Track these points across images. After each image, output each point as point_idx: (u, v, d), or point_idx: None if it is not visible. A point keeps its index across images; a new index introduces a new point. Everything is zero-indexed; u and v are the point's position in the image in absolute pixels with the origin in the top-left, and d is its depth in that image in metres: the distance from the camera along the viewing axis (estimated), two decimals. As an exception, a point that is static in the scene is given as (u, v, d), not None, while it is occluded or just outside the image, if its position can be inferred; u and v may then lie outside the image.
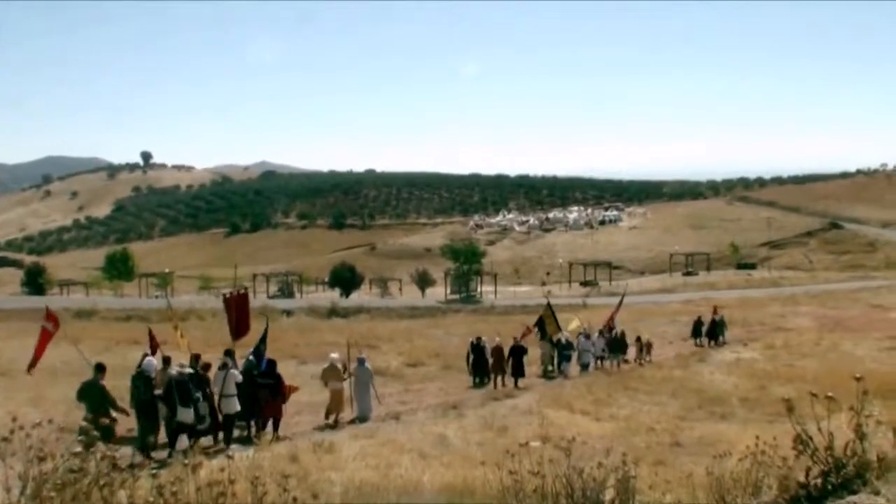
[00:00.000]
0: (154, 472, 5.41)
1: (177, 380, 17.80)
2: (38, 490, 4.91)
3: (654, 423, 22.54)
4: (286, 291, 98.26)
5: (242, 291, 25.69)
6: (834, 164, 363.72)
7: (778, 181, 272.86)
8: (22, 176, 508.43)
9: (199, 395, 18.16)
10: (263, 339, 22.08)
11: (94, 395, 16.01)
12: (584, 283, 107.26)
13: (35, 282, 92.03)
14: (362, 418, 22.75)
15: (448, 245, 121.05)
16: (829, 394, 5.99)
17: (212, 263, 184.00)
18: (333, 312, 59.71)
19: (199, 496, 5.26)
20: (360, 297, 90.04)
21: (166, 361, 19.39)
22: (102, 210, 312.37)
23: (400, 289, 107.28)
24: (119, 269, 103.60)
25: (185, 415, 17.64)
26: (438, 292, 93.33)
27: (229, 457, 8.28)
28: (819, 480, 5.75)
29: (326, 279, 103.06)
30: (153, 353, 20.82)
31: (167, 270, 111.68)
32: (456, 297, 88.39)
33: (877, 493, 5.40)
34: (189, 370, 18.60)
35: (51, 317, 20.63)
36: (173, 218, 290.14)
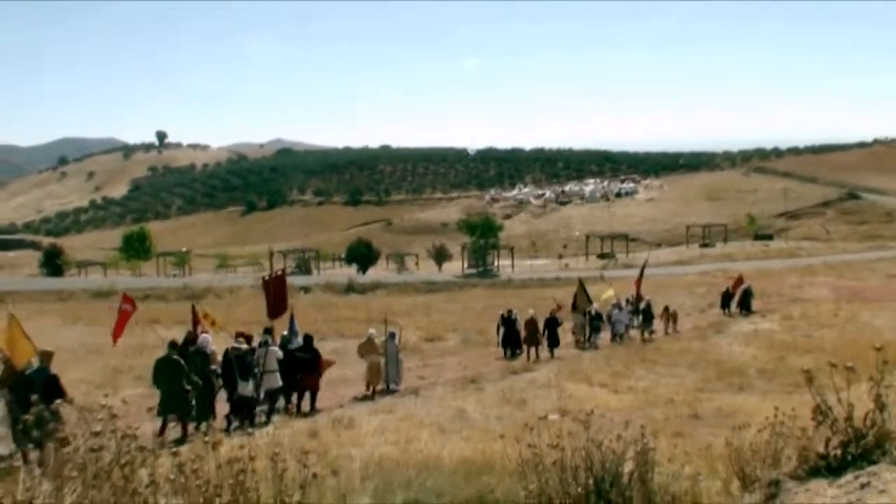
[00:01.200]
0: (174, 450, 5.44)
1: (235, 355, 18.63)
2: (59, 470, 4.95)
3: (673, 395, 22.54)
4: (303, 268, 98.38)
5: (280, 273, 26.74)
6: (851, 134, 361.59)
7: (794, 151, 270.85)
8: (38, 158, 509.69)
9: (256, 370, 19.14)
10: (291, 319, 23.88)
11: (169, 370, 17.09)
12: (601, 256, 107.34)
13: (53, 263, 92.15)
14: (391, 389, 23.62)
15: (464, 219, 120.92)
16: (848, 364, 5.97)
17: (229, 242, 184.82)
18: (350, 288, 59.98)
19: (220, 473, 5.29)
20: (377, 272, 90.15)
21: (194, 338, 19.80)
22: (119, 190, 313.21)
23: (417, 264, 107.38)
24: (136, 248, 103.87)
25: (245, 388, 18.52)
26: (455, 267, 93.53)
27: (249, 434, 8.32)
28: (838, 451, 5.74)
29: (343, 255, 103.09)
30: (195, 331, 21.43)
31: (184, 249, 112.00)
32: (473, 271, 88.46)
33: (896, 463, 5.39)
34: (245, 346, 19.39)
35: (127, 300, 23.03)
36: (190, 197, 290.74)
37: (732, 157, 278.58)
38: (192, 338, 20.21)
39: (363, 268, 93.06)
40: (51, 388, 13.79)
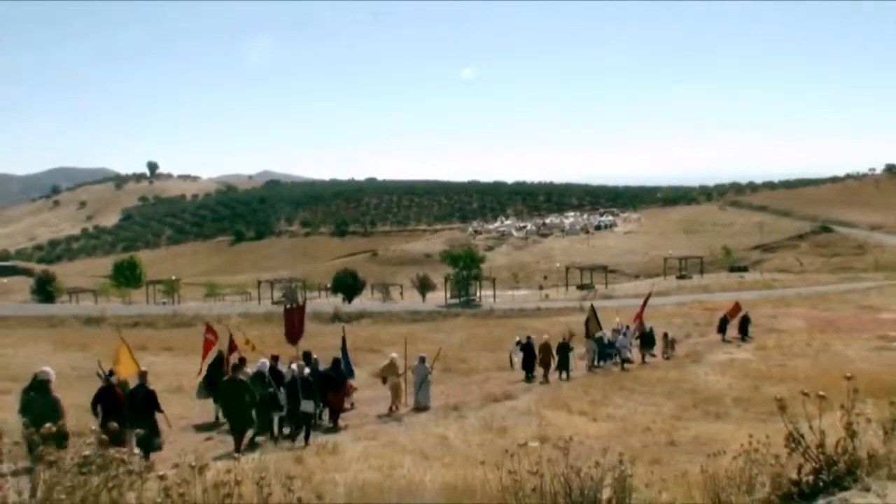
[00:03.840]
0: (161, 473, 5.40)
1: (300, 377, 20.19)
2: (48, 493, 4.91)
3: (650, 423, 22.54)
4: (290, 297, 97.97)
5: (301, 303, 28.40)
6: (824, 169, 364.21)
7: (769, 186, 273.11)
8: (32, 186, 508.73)
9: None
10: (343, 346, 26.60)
11: (236, 389, 18.60)
12: (581, 287, 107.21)
13: (45, 290, 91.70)
14: (422, 408, 25.20)
15: (447, 251, 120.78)
16: (821, 393, 5.99)
17: (217, 271, 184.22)
18: (336, 317, 59.62)
19: (206, 497, 5.26)
20: (362, 302, 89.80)
21: (242, 362, 20.97)
22: (110, 219, 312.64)
23: (401, 294, 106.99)
24: (127, 276, 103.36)
25: (308, 406, 20.02)
26: (439, 297, 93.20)
27: (235, 458, 8.29)
28: (811, 477, 5.75)
29: (329, 285, 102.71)
30: (230, 355, 23.01)
31: (174, 278, 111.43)
32: (456, 301, 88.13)
33: (867, 489, 5.40)
34: (308, 369, 21.19)
35: (210, 330, 25.20)
36: (179, 227, 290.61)
37: (709, 191, 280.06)
38: (225, 360, 22.59)
39: (349, 297, 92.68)
40: (149, 401, 16.73)
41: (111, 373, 18.16)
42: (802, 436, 5.82)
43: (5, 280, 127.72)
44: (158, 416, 17.03)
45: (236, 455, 12.60)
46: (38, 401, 14.84)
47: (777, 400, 6.22)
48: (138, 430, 15.90)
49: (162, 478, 5.22)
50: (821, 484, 5.68)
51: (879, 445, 5.98)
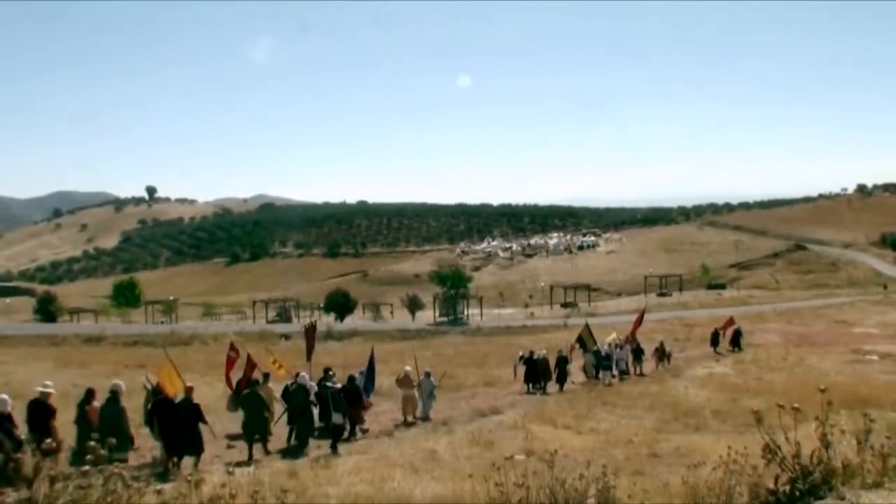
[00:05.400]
0: (158, 487, 5.36)
1: (332, 392, 20.95)
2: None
3: (633, 436, 22.44)
4: (284, 316, 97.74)
5: (314, 324, 30.43)
6: (797, 190, 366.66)
7: (745, 206, 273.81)
8: (34, 209, 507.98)
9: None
10: (370, 362, 27.53)
11: (254, 402, 19.71)
12: (565, 305, 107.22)
13: (46, 310, 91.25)
14: (425, 418, 25.81)
15: (436, 271, 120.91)
16: (796, 405, 6.00)
17: (214, 291, 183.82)
18: (329, 336, 59.51)
19: (202, 510, 5.22)
20: (353, 320, 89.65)
21: (266, 377, 22.61)
22: (110, 241, 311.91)
23: (391, 313, 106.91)
24: (126, 297, 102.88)
25: (338, 418, 20.61)
26: (427, 316, 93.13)
27: (230, 472, 8.24)
28: (787, 487, 5.75)
29: (322, 304, 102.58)
30: (251, 373, 23.45)
31: (171, 298, 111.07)
32: (444, 319, 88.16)
33: (842, 498, 5.40)
34: (339, 385, 21.81)
35: (234, 348, 26.20)
36: (177, 248, 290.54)
37: (687, 211, 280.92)
38: (245, 377, 23.07)
39: (341, 316, 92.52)
40: (194, 413, 17.56)
41: (158, 387, 19.36)
42: (779, 447, 5.82)
43: (8, 300, 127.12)
44: (203, 427, 17.93)
45: (230, 470, 12.53)
46: (108, 410, 16.77)
47: (754, 412, 6.23)
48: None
49: (159, 492, 5.19)
50: (797, 493, 5.67)
51: (853, 455, 5.98)
